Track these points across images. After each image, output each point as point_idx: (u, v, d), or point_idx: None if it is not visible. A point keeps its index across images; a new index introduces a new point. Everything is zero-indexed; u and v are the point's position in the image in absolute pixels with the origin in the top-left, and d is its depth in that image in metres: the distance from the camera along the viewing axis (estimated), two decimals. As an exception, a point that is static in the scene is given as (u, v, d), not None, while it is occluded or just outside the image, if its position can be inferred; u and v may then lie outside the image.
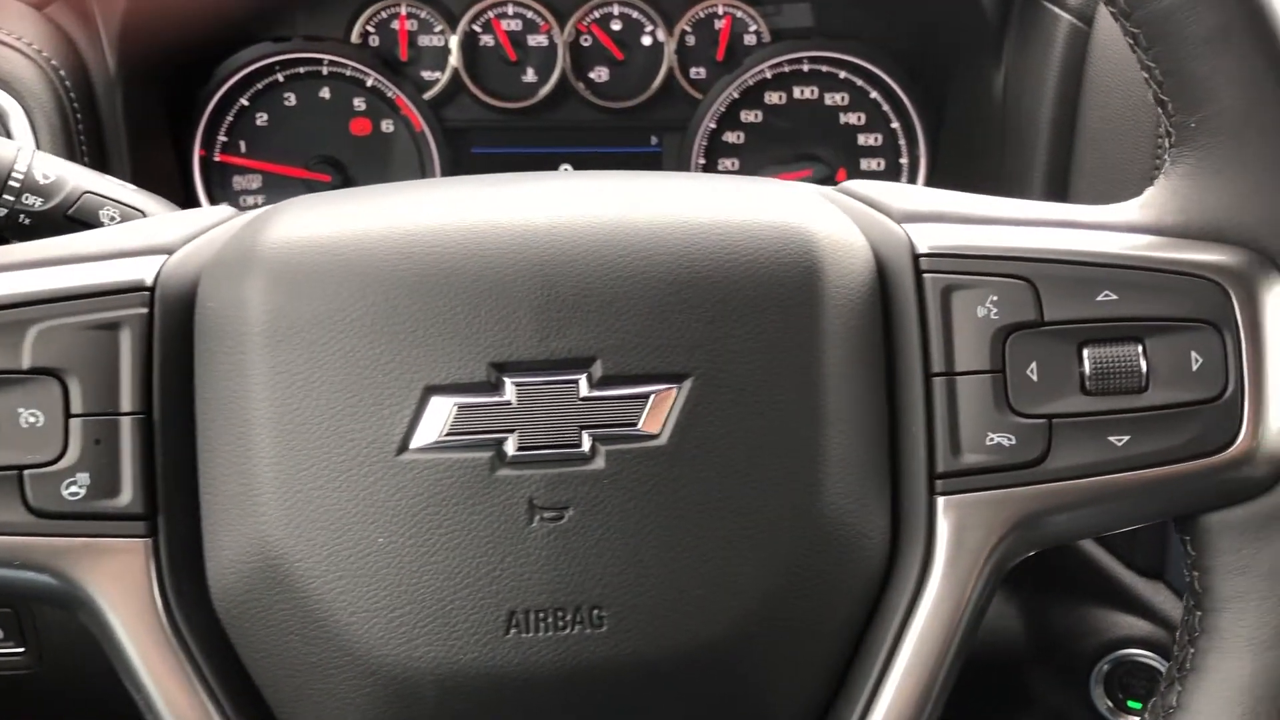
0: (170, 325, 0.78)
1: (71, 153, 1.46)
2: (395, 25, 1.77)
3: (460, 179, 0.91)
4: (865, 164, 1.85)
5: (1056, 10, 1.51)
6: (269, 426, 0.76)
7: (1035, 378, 0.80)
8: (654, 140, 1.86)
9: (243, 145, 1.79)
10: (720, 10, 1.79)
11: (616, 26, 1.79)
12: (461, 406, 0.76)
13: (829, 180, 1.84)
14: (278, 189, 1.81)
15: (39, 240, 0.83)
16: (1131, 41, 0.82)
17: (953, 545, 0.80)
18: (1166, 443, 0.79)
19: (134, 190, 1.12)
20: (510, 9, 1.77)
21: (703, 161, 1.84)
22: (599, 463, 0.76)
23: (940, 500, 0.81)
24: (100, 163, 1.52)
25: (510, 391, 0.76)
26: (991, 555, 0.80)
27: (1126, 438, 0.80)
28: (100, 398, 0.72)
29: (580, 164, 1.85)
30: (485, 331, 0.76)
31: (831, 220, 0.83)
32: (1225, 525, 0.81)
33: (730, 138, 1.85)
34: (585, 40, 1.79)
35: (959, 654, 0.80)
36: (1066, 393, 0.80)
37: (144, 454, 0.76)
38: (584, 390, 0.77)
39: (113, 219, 1.08)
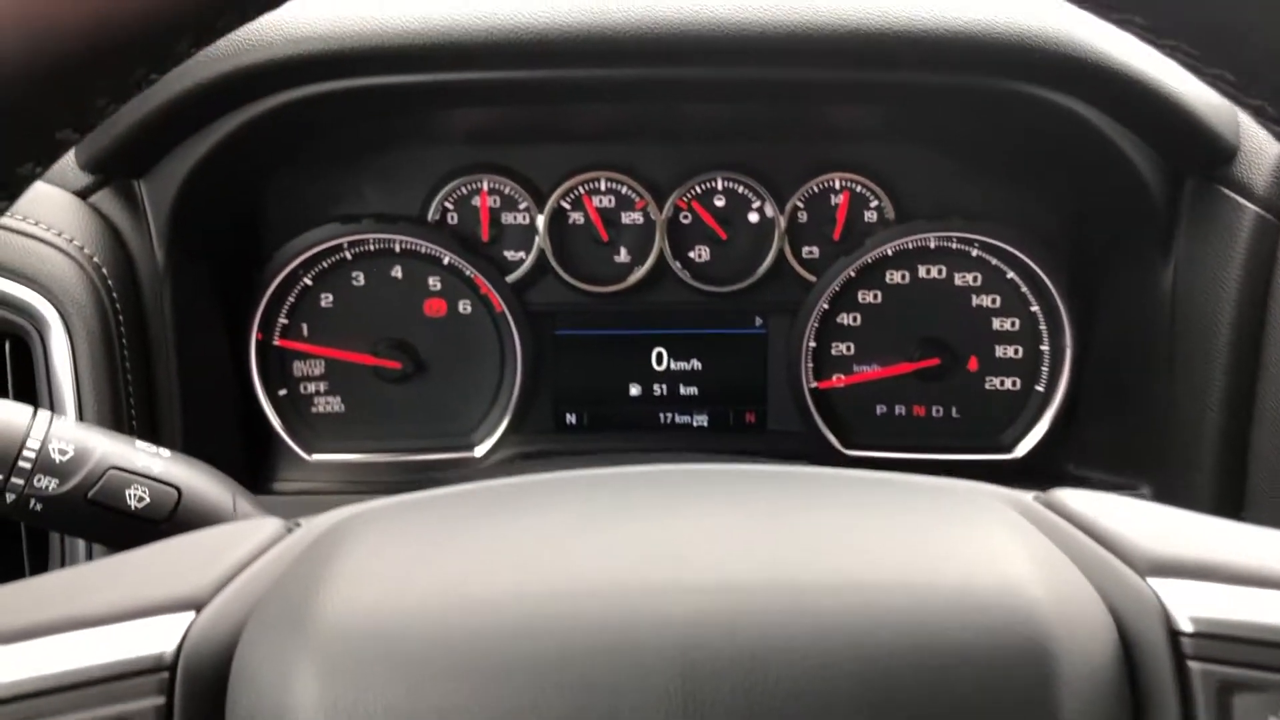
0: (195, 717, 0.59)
1: (111, 355, 1.30)
2: (476, 202, 1.60)
3: (566, 486, 0.72)
4: (1000, 351, 1.64)
5: (1239, 200, 1.30)
6: None
7: (1364, 830, 0.57)
8: (758, 322, 1.67)
9: (304, 329, 1.62)
10: (837, 184, 1.60)
11: (720, 203, 1.61)
12: None
13: (958, 368, 1.63)
14: (342, 376, 1.64)
15: (46, 579, 0.66)
16: None
17: None
18: None
19: (168, 458, 0.94)
20: (603, 184, 1.60)
21: (813, 345, 1.64)
22: None
23: None
24: (144, 359, 1.35)
25: None
26: None
27: None
28: None
29: (675, 347, 1.66)
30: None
31: (1057, 576, 0.61)
32: None
33: (845, 320, 1.65)
34: (685, 218, 1.61)
35: None
36: None
37: None
38: None
39: (141, 500, 0.90)
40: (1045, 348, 1.63)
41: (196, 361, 1.43)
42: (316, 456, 1.62)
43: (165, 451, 0.95)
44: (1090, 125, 1.31)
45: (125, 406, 1.33)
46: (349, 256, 1.60)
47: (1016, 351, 1.64)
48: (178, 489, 0.92)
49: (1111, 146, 1.33)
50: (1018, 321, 1.63)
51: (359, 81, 1.23)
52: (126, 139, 1.29)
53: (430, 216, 1.59)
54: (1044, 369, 1.63)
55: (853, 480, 0.76)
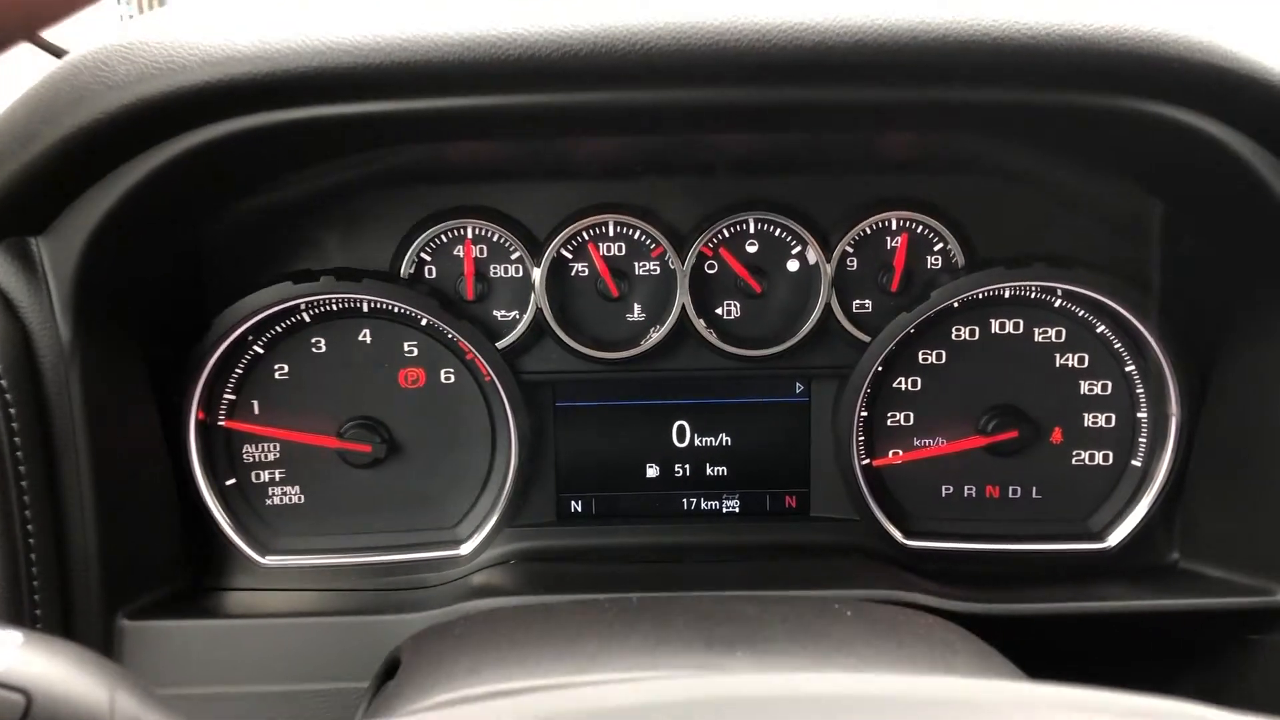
0: None
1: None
2: (458, 252, 1.33)
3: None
4: (1089, 420, 1.37)
5: None
6: None
7: None
8: (800, 388, 1.40)
9: (255, 406, 1.35)
10: (894, 224, 1.33)
11: (752, 249, 1.34)
12: None
13: (1039, 441, 1.36)
14: (301, 462, 1.37)
15: None
16: None
17: None
18: None
19: (19, 645, 0.67)
20: (611, 228, 1.33)
21: (865, 414, 1.37)
22: None
23: None
24: (44, 458, 1.08)
25: None
26: None
27: None
28: None
29: (700, 420, 1.39)
30: None
31: None
32: None
33: (902, 384, 1.38)
34: (711, 267, 1.34)
35: None
36: None
37: None
38: None
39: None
40: (1143, 415, 1.36)
41: (116, 454, 1.17)
42: (272, 559, 1.35)
43: (16, 635, 0.68)
44: (1227, 151, 1.04)
45: (18, 520, 1.06)
46: (307, 318, 1.33)
47: (1109, 420, 1.38)
48: (26, 694, 0.65)
49: (1250, 177, 1.06)
50: (1110, 385, 1.37)
51: (300, 113, 0.96)
52: (15, 188, 1.02)
53: (403, 270, 1.32)
54: (1142, 440, 1.37)
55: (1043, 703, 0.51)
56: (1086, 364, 1.36)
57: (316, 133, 0.99)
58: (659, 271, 1.34)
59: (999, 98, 1.01)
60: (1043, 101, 1.01)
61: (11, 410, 1.06)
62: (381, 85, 0.94)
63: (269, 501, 1.38)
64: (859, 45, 0.92)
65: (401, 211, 1.32)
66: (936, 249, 1.34)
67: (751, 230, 1.33)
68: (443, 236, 1.32)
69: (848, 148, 1.27)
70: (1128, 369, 1.36)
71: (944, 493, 1.40)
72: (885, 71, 0.95)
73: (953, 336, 1.37)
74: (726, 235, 1.33)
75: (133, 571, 1.21)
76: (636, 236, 1.33)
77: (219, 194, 1.17)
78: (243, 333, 1.31)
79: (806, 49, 0.91)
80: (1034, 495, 1.39)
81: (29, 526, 1.08)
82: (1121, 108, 1.00)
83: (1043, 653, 0.98)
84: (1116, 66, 0.95)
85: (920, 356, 1.37)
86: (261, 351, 1.34)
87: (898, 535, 1.37)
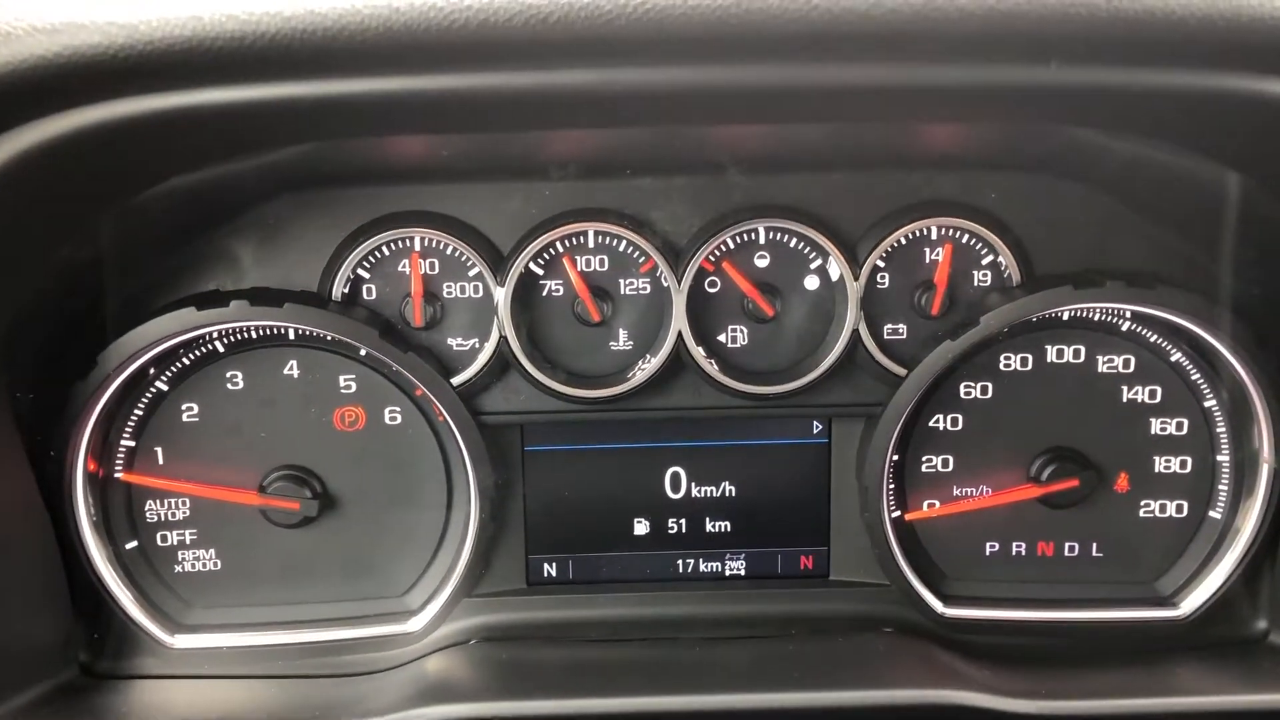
0: None
1: None
2: (404, 268, 1.10)
3: None
4: (1161, 464, 1.17)
5: None
6: None
7: None
8: (817, 429, 1.18)
9: (159, 454, 1.14)
10: (935, 233, 1.11)
11: (763, 263, 1.12)
12: None
13: (1101, 490, 1.17)
14: (217, 521, 1.16)
15: None
16: None
17: None
18: None
19: None
20: (591, 239, 1.10)
21: (896, 459, 1.16)
22: None
23: None
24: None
25: None
26: None
27: None
28: None
29: (698, 466, 1.20)
30: None
31: None
32: None
33: (940, 423, 1.17)
34: (712, 285, 1.12)
35: None
36: None
37: None
38: None
39: None
40: (1224, 459, 1.16)
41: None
42: (182, 639, 1.15)
43: None
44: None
45: None
46: (220, 348, 1.12)
47: (1183, 464, 1.19)
48: None
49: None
50: (1185, 423, 1.18)
51: (172, 100, 0.72)
52: None
53: (335, 291, 1.10)
54: (1222, 489, 1.18)
55: None
56: (1158, 398, 1.17)
57: (201, 126, 0.75)
58: (649, 290, 1.13)
59: (1074, 81, 0.78)
60: (1135, 85, 0.79)
61: None
62: (283, 63, 0.70)
63: (178, 568, 1.18)
64: (924, 14, 0.68)
65: (332, 219, 1.11)
66: (985, 262, 1.13)
67: (762, 240, 1.13)
68: (384, 249, 1.11)
69: (882, 140, 1.05)
70: (1207, 404, 1.16)
71: (988, 551, 1.22)
72: (955, 48, 0.72)
73: (1001, 366, 1.16)
74: (731, 246, 1.12)
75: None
76: (622, 248, 1.12)
77: (100, 195, 0.93)
78: (141, 367, 1.09)
79: (858, 15, 0.68)
80: (1094, 553, 1.21)
81: None
82: (1232, 90, 0.77)
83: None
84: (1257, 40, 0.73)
85: (962, 390, 1.17)
86: (165, 389, 1.13)
87: (935, 604, 1.17)
